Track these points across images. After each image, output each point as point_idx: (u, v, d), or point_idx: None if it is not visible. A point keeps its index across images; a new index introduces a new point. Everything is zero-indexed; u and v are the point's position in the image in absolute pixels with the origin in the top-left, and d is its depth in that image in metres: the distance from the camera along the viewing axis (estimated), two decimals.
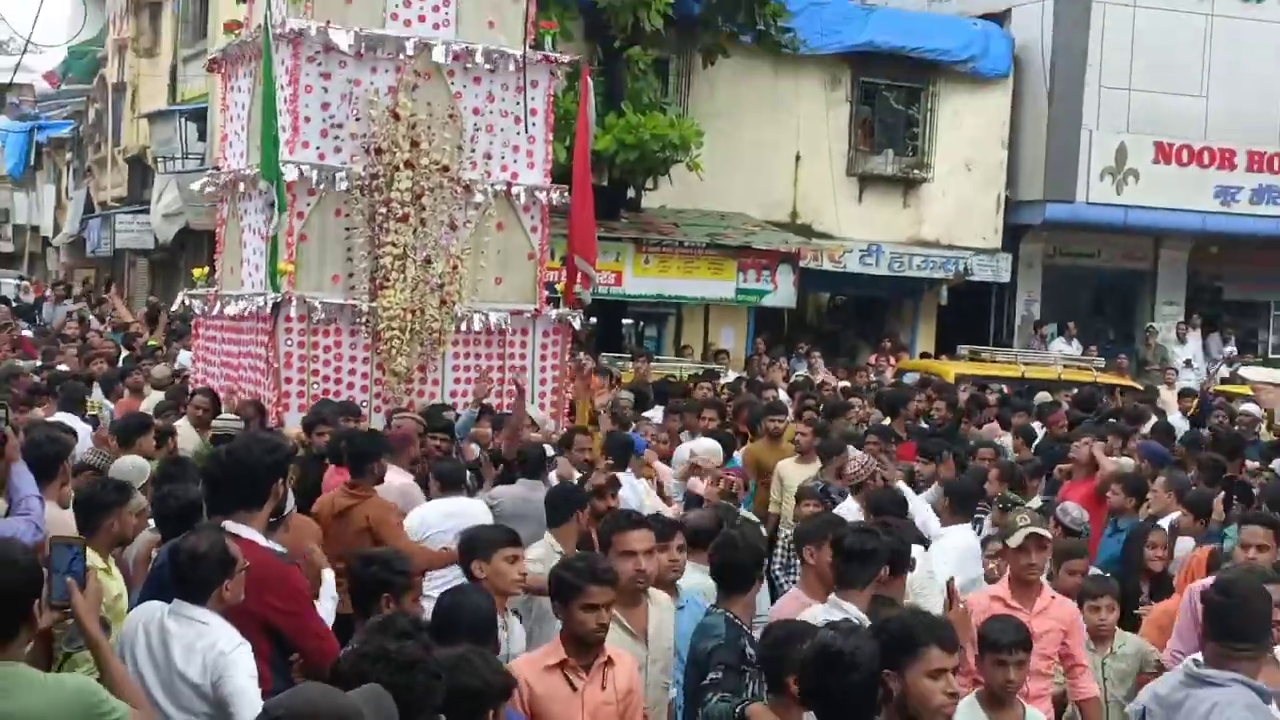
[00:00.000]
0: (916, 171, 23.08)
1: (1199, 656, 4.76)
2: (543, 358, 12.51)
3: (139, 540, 6.52)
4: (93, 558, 5.53)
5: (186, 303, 14.90)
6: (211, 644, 4.60)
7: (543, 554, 6.85)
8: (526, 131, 12.46)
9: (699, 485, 9.55)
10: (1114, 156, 22.98)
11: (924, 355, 21.48)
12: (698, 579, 6.13)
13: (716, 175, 20.86)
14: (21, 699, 3.83)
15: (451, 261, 11.72)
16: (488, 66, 12.10)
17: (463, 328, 11.95)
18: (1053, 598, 6.58)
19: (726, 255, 21.20)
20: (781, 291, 21.80)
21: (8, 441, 6.16)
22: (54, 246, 44.38)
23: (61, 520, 6.27)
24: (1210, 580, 5.86)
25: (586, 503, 7.72)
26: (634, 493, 9.01)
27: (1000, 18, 23.43)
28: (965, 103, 23.21)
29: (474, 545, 5.86)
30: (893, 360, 20.48)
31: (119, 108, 36.24)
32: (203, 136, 28.21)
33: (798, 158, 22.28)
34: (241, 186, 12.46)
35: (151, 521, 6.63)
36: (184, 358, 16.65)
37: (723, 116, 21.19)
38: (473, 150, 12.01)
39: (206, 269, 14.95)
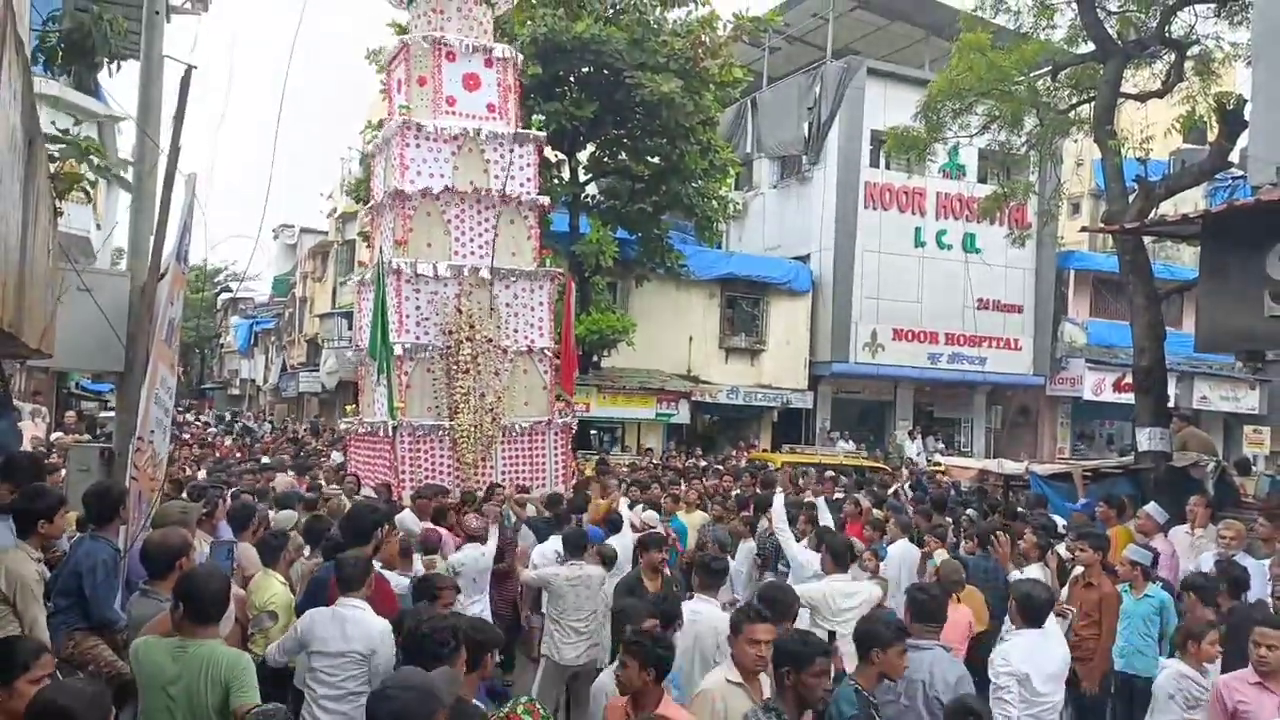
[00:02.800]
0: (758, 345, 24.92)
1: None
2: (555, 447, 13.03)
3: (301, 567, 6.83)
4: (275, 578, 6.18)
5: (342, 425, 15.23)
6: (366, 623, 4.85)
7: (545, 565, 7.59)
8: (538, 316, 12.99)
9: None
10: (870, 336, 25.00)
11: (764, 450, 22.69)
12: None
13: (645, 349, 22.39)
14: (213, 656, 3.91)
15: (497, 394, 12.45)
16: (513, 279, 12.81)
17: (506, 434, 12.54)
18: None
19: (650, 393, 22.93)
20: (681, 414, 23.64)
21: (219, 508, 6.93)
22: (263, 391, 47.49)
23: (250, 555, 6.62)
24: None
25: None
26: (626, 514, 9.34)
27: (805, 259, 25.46)
28: (785, 306, 25.12)
29: None
30: (747, 453, 21.56)
31: (302, 311, 38.85)
32: (350, 327, 29.26)
33: (690, 339, 24.03)
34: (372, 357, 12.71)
35: (306, 550, 7.00)
36: (335, 457, 17.00)
37: (646, 315, 22.71)
38: (506, 328, 12.71)
39: (354, 405, 15.35)
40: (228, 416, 36.62)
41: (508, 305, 12.79)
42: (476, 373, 12.27)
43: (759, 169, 27.76)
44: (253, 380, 50.26)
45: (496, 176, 12.83)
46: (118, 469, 6.74)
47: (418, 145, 12.54)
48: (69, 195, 5.81)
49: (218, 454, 17.77)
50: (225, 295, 54.31)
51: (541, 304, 13.11)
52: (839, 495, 12.60)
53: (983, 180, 24.83)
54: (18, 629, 4.43)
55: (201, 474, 12.30)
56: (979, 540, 8.32)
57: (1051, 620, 5.59)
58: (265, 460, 15.57)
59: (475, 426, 12.18)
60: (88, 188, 5.94)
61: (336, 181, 35.20)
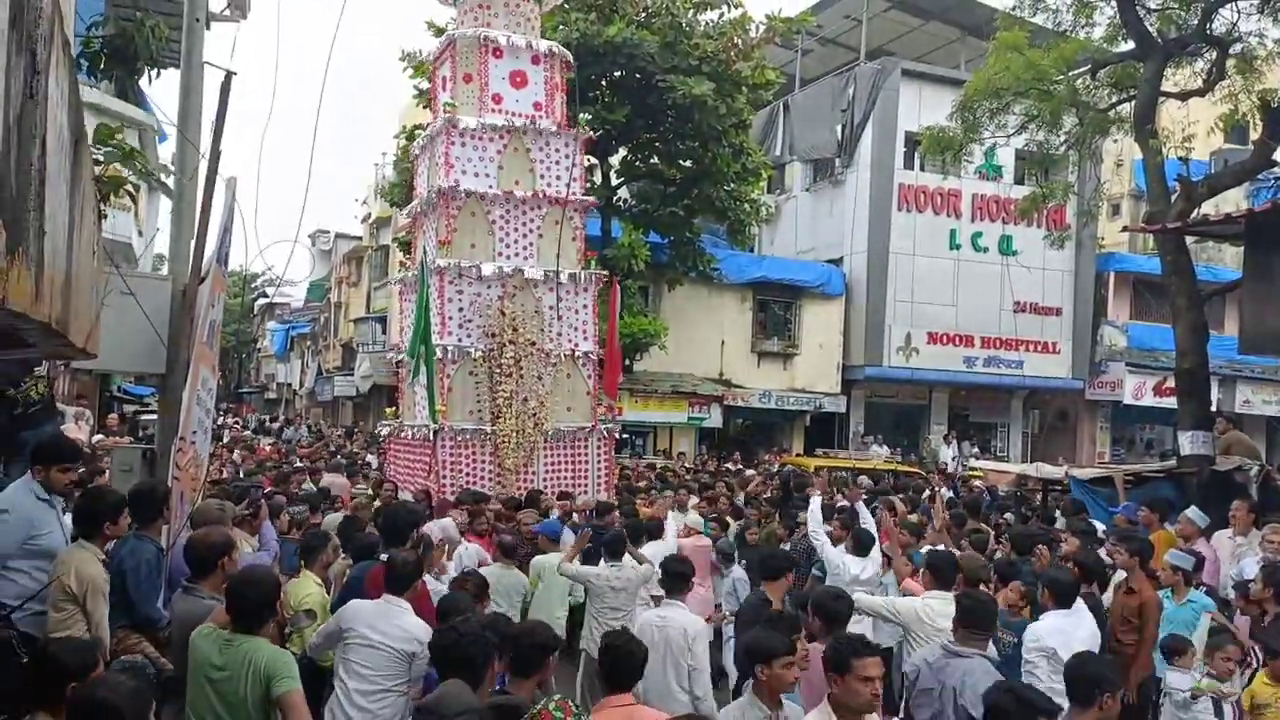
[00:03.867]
0: (791, 349, 24.89)
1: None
2: (597, 454, 12.78)
3: (337, 566, 6.83)
4: (311, 578, 6.18)
5: (382, 429, 14.73)
6: (409, 624, 4.87)
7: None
8: (583, 320, 12.80)
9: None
10: (904, 340, 24.87)
11: (797, 455, 22.87)
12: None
13: (676, 352, 22.43)
14: (256, 652, 4.01)
15: (540, 399, 12.19)
16: (558, 281, 12.54)
17: (548, 439, 12.33)
18: None
19: (682, 397, 22.83)
20: (714, 418, 23.58)
21: (261, 510, 7.12)
22: (299, 395, 48.13)
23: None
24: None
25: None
26: (675, 521, 9.57)
27: (838, 262, 25.41)
28: (818, 310, 25.06)
29: None
30: (779, 458, 21.74)
31: (337, 316, 39.17)
32: (384, 332, 30.26)
33: (722, 342, 24.00)
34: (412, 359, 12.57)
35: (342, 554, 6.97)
36: (371, 460, 17.58)
37: (679, 319, 22.73)
38: (550, 331, 12.46)
39: (393, 409, 15.01)
40: (267, 420, 36.98)
41: (551, 308, 12.54)
42: (519, 377, 12.06)
43: (791, 172, 27.68)
44: (289, 384, 50.81)
45: (543, 176, 12.59)
46: (160, 469, 6.82)
47: (463, 144, 12.29)
48: (113, 199, 5.92)
49: (257, 455, 18.00)
50: (263, 300, 55.17)
51: (586, 307, 12.87)
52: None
53: (1020, 181, 24.40)
54: (84, 629, 4.53)
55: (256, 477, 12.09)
56: (1014, 547, 8.19)
57: (1079, 601, 5.88)
58: (300, 464, 15.57)
59: (517, 432, 11.97)
60: (131, 190, 6.04)
61: (371, 186, 35.36)
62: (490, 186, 12.35)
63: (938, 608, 5.76)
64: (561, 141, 12.82)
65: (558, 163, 12.76)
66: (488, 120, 12.44)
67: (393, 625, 4.79)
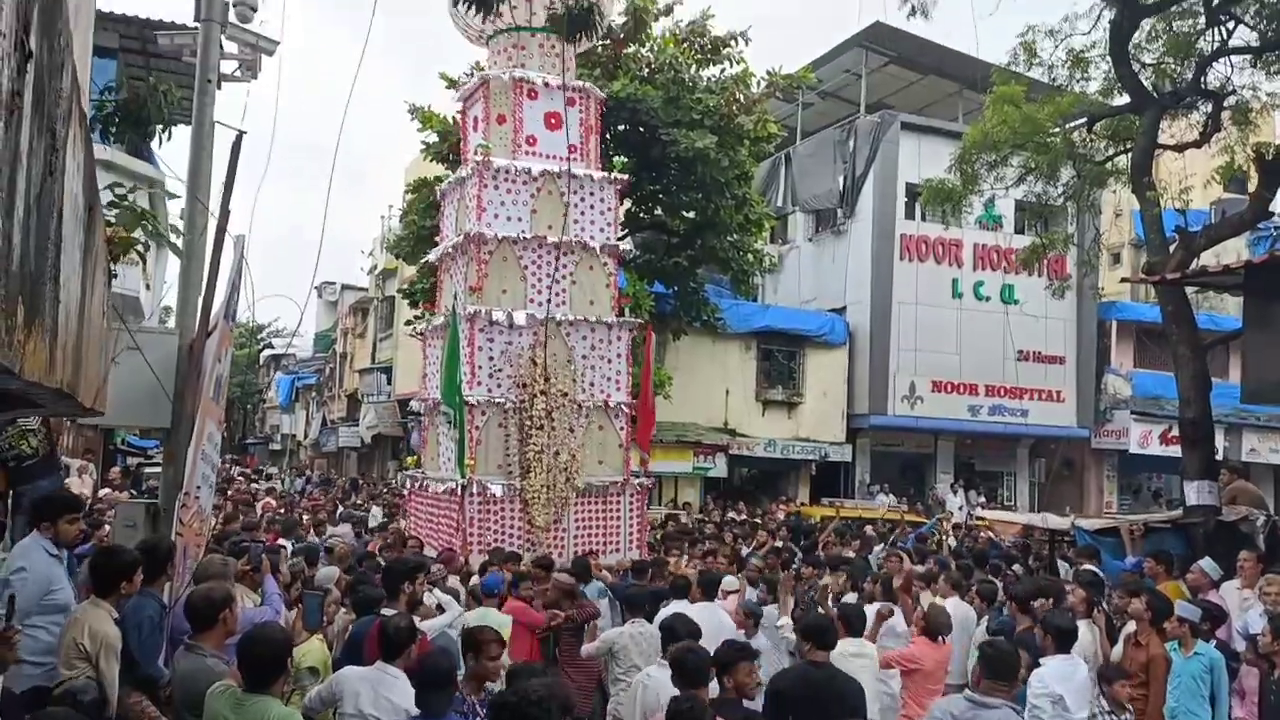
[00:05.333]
0: (795, 398, 24.85)
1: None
2: (630, 509, 12.40)
3: (339, 619, 7.01)
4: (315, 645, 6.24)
5: (397, 479, 14.76)
6: (400, 691, 4.72)
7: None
8: (616, 370, 12.46)
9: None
10: (908, 388, 24.88)
11: (801, 504, 22.77)
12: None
13: (681, 402, 22.14)
14: (267, 713, 4.02)
15: (572, 452, 11.80)
16: (590, 329, 12.24)
17: (579, 494, 11.94)
18: None
19: (687, 446, 22.68)
20: (719, 467, 23.36)
21: (264, 564, 7.07)
22: (304, 446, 48.08)
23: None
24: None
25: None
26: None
27: (841, 311, 25.48)
28: (822, 359, 25.07)
29: None
30: (785, 507, 21.47)
31: (343, 367, 39.33)
32: (390, 383, 30.23)
33: (727, 391, 23.90)
34: (438, 407, 12.64)
35: (345, 604, 7.10)
36: (376, 512, 17.22)
37: (683, 369, 22.55)
38: (582, 381, 12.11)
39: (416, 458, 14.88)
40: (276, 471, 36.68)
41: (584, 357, 12.18)
42: (551, 429, 11.64)
43: (794, 222, 27.82)
44: (293, 435, 50.91)
45: (576, 221, 12.29)
46: (164, 525, 6.87)
47: (495, 186, 11.93)
48: (123, 258, 6.02)
49: (261, 510, 17.45)
50: (268, 352, 55.38)
51: (619, 355, 12.47)
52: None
53: (1020, 231, 24.53)
54: (95, 688, 4.53)
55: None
56: (1018, 605, 8.08)
57: (1077, 646, 6.27)
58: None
59: (548, 486, 11.54)
60: (140, 250, 6.14)
61: (376, 239, 35.64)
62: (523, 231, 12.02)
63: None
64: (596, 185, 12.52)
65: (592, 206, 12.46)
66: (521, 163, 12.11)
67: (382, 697, 4.75)
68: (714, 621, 7.10)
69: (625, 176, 12.99)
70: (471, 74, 19.30)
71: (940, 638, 7.24)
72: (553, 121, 12.44)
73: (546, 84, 12.43)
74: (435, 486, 12.29)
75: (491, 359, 11.70)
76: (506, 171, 11.99)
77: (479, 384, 11.56)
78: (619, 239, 20.49)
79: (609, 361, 12.38)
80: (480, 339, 11.66)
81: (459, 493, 11.25)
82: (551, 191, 12.20)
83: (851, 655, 6.32)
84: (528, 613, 7.83)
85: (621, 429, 12.47)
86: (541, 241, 12.07)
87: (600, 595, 9.06)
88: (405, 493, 14.75)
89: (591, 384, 12.20)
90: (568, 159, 12.28)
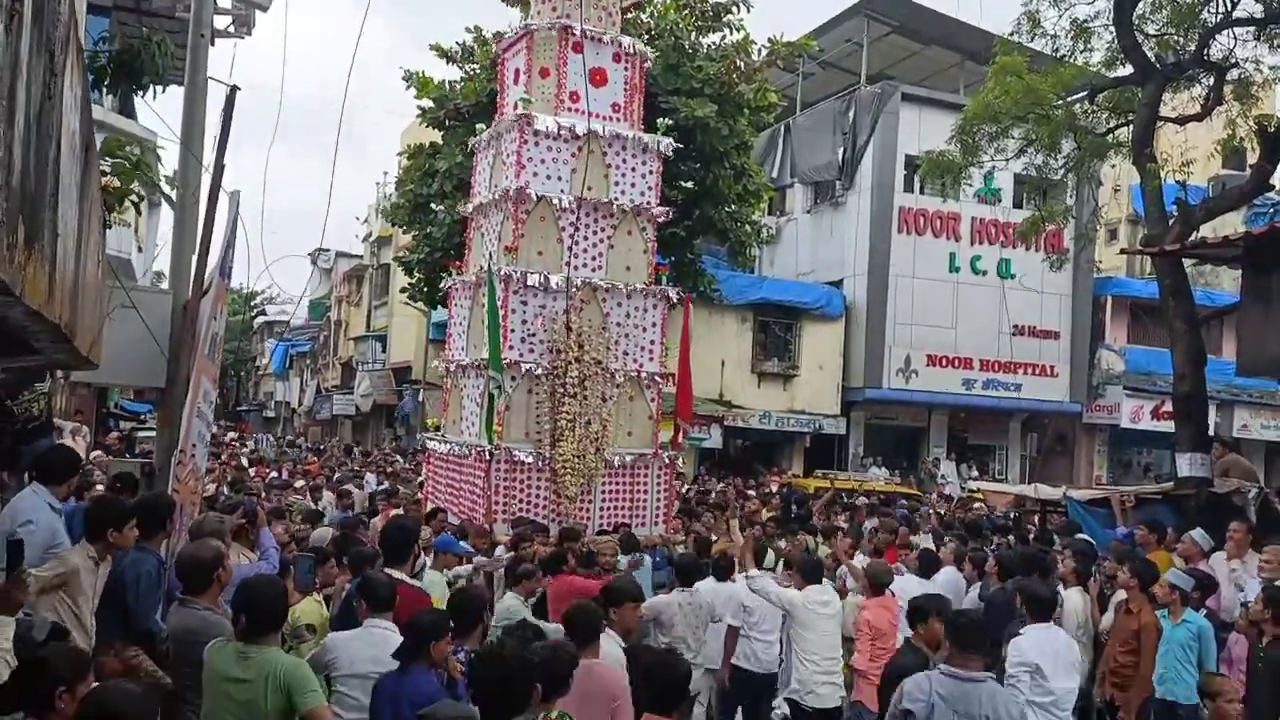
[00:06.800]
0: (791, 370, 24.91)
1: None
2: (658, 483, 12.00)
3: (337, 583, 6.91)
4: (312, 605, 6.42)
5: (430, 443, 13.72)
6: (394, 644, 4.62)
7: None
8: (650, 339, 12.10)
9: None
10: (904, 361, 24.98)
11: (795, 476, 22.90)
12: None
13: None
14: (275, 663, 4.07)
15: (603, 422, 11.41)
16: (626, 296, 11.82)
17: (607, 466, 11.54)
18: None
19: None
20: (714, 439, 23.66)
21: (259, 516, 7.03)
22: (298, 414, 48.22)
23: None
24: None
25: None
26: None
27: (838, 284, 25.52)
28: (818, 331, 25.07)
29: None
30: (777, 478, 21.65)
31: (337, 334, 39.25)
32: (384, 350, 29.91)
33: (722, 363, 23.91)
34: (462, 369, 12.32)
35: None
36: (370, 479, 16.94)
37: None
38: (616, 350, 11.70)
39: (437, 420, 14.38)
40: (270, 439, 35.78)
41: (619, 325, 11.73)
42: (583, 397, 11.23)
43: (792, 194, 27.82)
44: (287, 403, 50.81)
45: (617, 183, 11.86)
46: (159, 484, 6.88)
47: (536, 143, 11.42)
48: (115, 213, 5.97)
49: (255, 475, 17.32)
50: (261, 319, 55.16)
51: (654, 325, 12.05)
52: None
53: (1019, 205, 24.55)
54: (48, 625, 4.49)
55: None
56: (1001, 570, 8.13)
57: (1070, 613, 6.53)
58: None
59: (578, 457, 11.16)
60: (135, 202, 6.10)
61: (372, 205, 35.47)
62: (562, 191, 11.53)
63: (815, 597, 7.00)
64: (639, 147, 12.04)
65: (634, 169, 11.98)
66: (564, 120, 11.57)
67: (378, 650, 4.72)
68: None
69: (669, 141, 12.54)
70: (472, 34, 19.22)
71: (889, 591, 7.21)
72: (597, 78, 11.89)
73: (593, 37, 11.88)
74: (458, 450, 11.96)
75: (525, 322, 11.33)
76: (548, 128, 11.51)
77: (510, 348, 11.18)
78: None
79: (643, 330, 11.99)
80: (514, 301, 11.25)
81: (486, 459, 10.95)
82: (594, 151, 11.73)
83: (819, 604, 6.96)
84: (574, 583, 7.34)
85: (652, 401, 12.17)
86: (581, 203, 11.60)
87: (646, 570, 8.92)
88: (424, 456, 14.61)
89: (625, 353, 11.81)
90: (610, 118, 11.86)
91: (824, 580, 7.51)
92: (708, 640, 7.31)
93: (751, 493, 17.98)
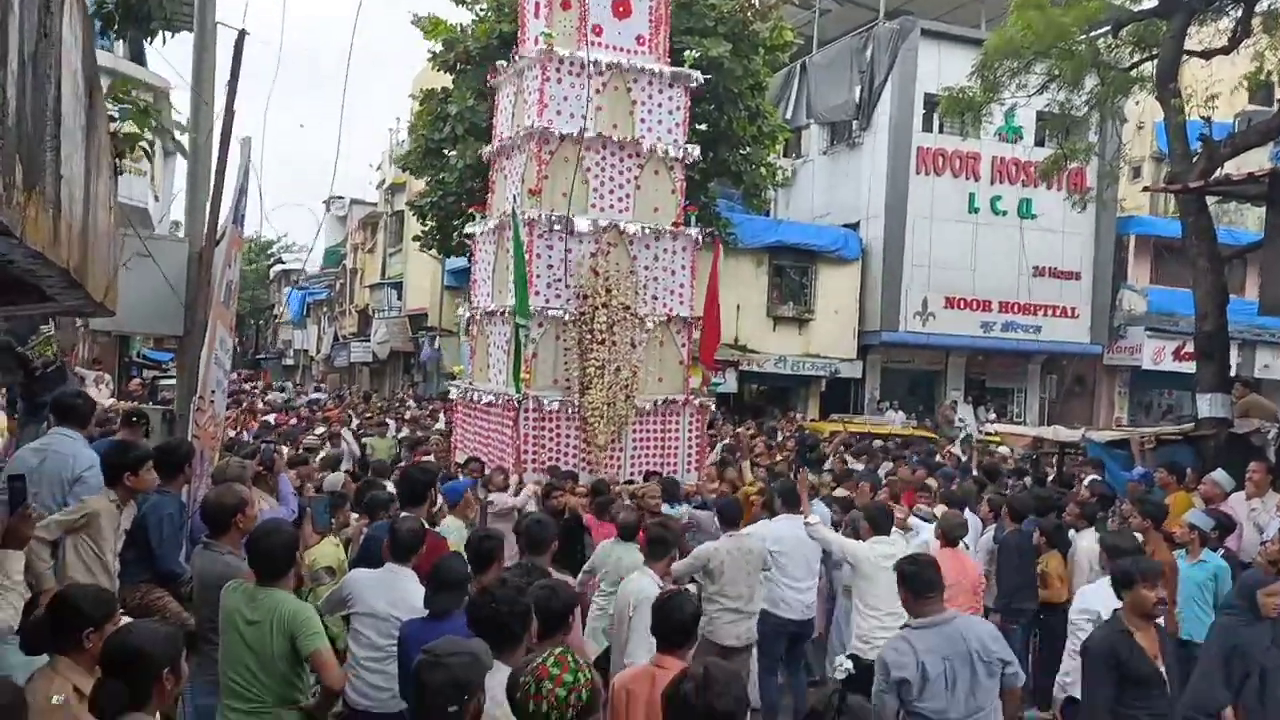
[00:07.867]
0: (806, 314, 24.75)
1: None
2: (689, 428, 11.78)
3: (351, 526, 7.18)
4: (327, 539, 6.67)
5: (451, 391, 13.58)
6: (412, 592, 4.77)
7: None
8: (679, 282, 11.80)
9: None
10: (921, 304, 24.76)
11: (811, 420, 22.85)
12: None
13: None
14: (280, 606, 4.18)
15: (632, 368, 11.14)
16: (654, 238, 11.48)
17: (638, 413, 11.31)
18: None
19: (697, 362, 22.35)
20: (729, 383, 23.15)
21: (276, 463, 7.29)
22: (316, 361, 48.25)
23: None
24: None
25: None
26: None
27: (855, 226, 25.18)
28: (834, 274, 24.85)
29: None
30: (791, 422, 21.48)
31: (353, 282, 39.44)
32: (400, 298, 29.74)
33: (738, 307, 23.49)
34: (489, 316, 12.14)
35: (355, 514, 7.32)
36: (390, 426, 16.71)
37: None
38: (644, 294, 11.44)
39: (462, 367, 14.20)
40: (290, 387, 36.28)
41: (647, 268, 11.38)
42: (612, 343, 10.92)
43: (808, 136, 27.34)
44: (305, 350, 51.00)
45: (643, 120, 11.42)
46: (179, 429, 7.02)
47: (559, 80, 10.95)
48: (128, 158, 5.95)
49: (276, 422, 17.90)
50: (278, 267, 55.31)
51: (684, 268, 11.70)
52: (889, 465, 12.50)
53: (1040, 144, 23.72)
54: (103, 578, 4.71)
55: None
56: (1011, 513, 8.04)
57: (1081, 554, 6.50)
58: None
59: (608, 404, 10.88)
60: (146, 148, 6.07)
61: (385, 152, 35.12)
62: (586, 129, 11.07)
63: (881, 550, 6.52)
64: (665, 83, 11.56)
65: (660, 105, 11.54)
66: (588, 54, 11.08)
67: (395, 594, 4.82)
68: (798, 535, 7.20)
69: (697, 73, 12.08)
70: None
71: (961, 543, 7.01)
72: (620, 9, 11.44)
73: None
74: (486, 398, 11.75)
75: (551, 267, 11.04)
76: (571, 63, 11.05)
77: (536, 294, 10.90)
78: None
79: (672, 274, 11.64)
80: (539, 245, 10.92)
81: (514, 407, 10.79)
82: (618, 87, 11.32)
83: (884, 556, 6.20)
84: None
85: (683, 345, 11.91)
86: (606, 141, 11.24)
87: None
88: (446, 405, 14.62)
89: (654, 297, 11.49)
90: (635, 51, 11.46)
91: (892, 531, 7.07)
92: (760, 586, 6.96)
93: (764, 437, 17.80)
